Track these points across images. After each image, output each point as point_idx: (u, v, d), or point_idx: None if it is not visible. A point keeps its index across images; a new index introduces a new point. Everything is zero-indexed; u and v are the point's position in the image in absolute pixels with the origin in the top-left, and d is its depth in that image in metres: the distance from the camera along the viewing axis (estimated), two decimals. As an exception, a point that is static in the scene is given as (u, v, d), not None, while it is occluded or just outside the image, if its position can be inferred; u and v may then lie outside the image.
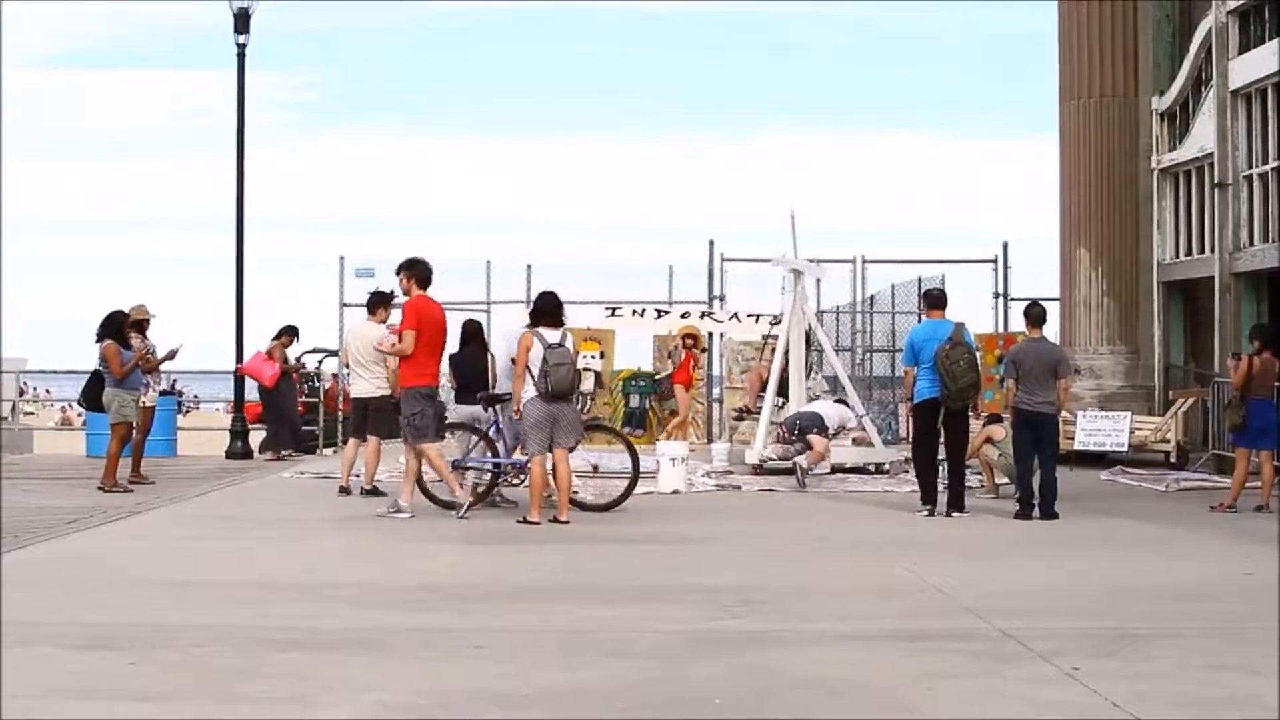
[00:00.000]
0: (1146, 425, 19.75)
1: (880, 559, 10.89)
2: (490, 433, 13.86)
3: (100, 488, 15.43)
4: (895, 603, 8.76)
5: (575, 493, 13.62)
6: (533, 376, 12.69)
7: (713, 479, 16.71)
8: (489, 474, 13.87)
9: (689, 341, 20.94)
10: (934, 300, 14.61)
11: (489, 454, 13.88)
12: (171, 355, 17.23)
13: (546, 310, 13.10)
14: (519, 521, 12.66)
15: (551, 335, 12.80)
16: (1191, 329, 21.40)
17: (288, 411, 21.00)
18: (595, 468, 14.83)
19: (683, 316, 23.54)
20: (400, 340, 13.20)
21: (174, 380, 35.73)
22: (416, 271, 13.36)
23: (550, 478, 13.00)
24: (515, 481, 13.86)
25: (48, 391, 45.69)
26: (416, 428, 13.09)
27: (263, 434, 21.32)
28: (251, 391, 21.91)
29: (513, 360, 13.32)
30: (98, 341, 15.92)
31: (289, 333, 21.26)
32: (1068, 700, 6.24)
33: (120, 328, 15.95)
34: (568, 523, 12.62)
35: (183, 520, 13.21)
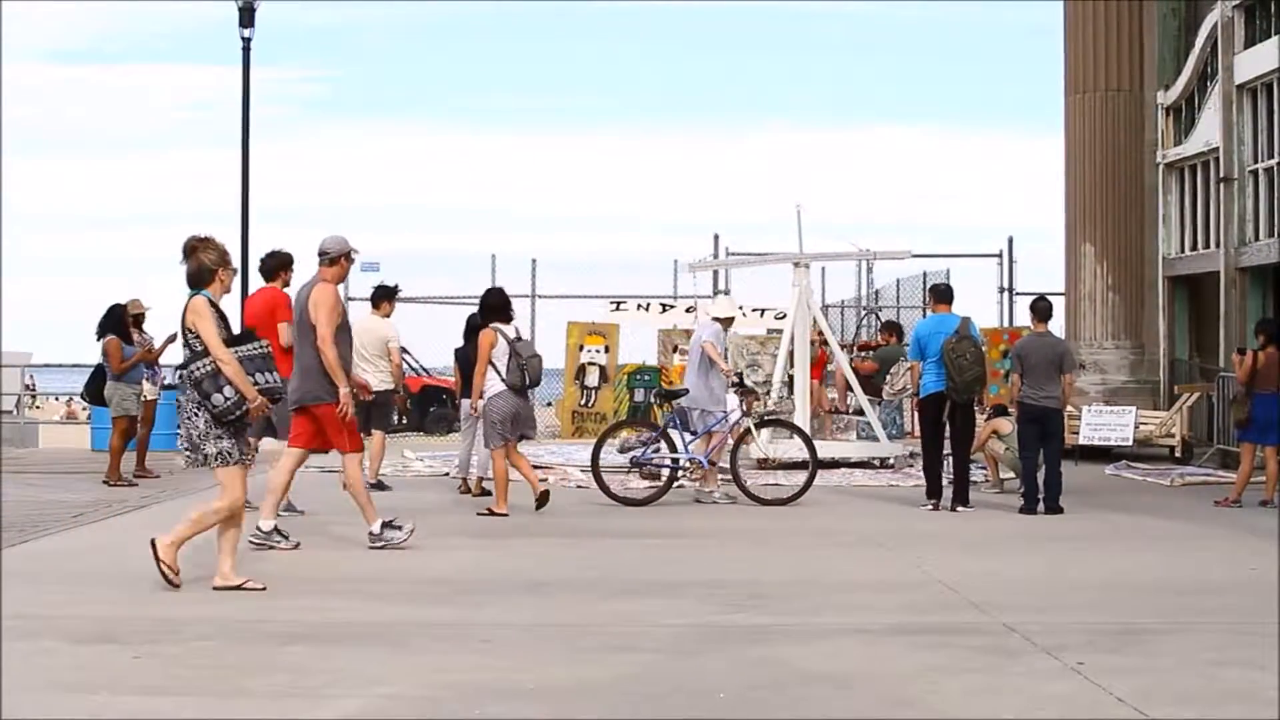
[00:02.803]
0: (1151, 420, 19.74)
1: (885, 553, 10.89)
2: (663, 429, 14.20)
3: (105, 481, 15.45)
4: (900, 597, 8.76)
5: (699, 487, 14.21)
6: (498, 371, 12.91)
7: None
8: (667, 470, 14.12)
9: (823, 337, 20.85)
10: (940, 294, 14.61)
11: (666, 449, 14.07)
12: (172, 339, 17.20)
13: (499, 307, 13.35)
14: (480, 514, 12.83)
15: (509, 330, 13.13)
16: (1196, 324, 21.39)
17: None
18: (764, 459, 15.03)
19: (688, 311, 23.51)
20: None
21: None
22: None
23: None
24: (693, 478, 14.23)
25: (29, 388, 45.10)
26: None
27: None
28: None
29: (704, 354, 14.06)
30: (99, 338, 15.93)
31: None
32: (1071, 695, 6.24)
33: (121, 321, 15.97)
34: (506, 514, 12.75)
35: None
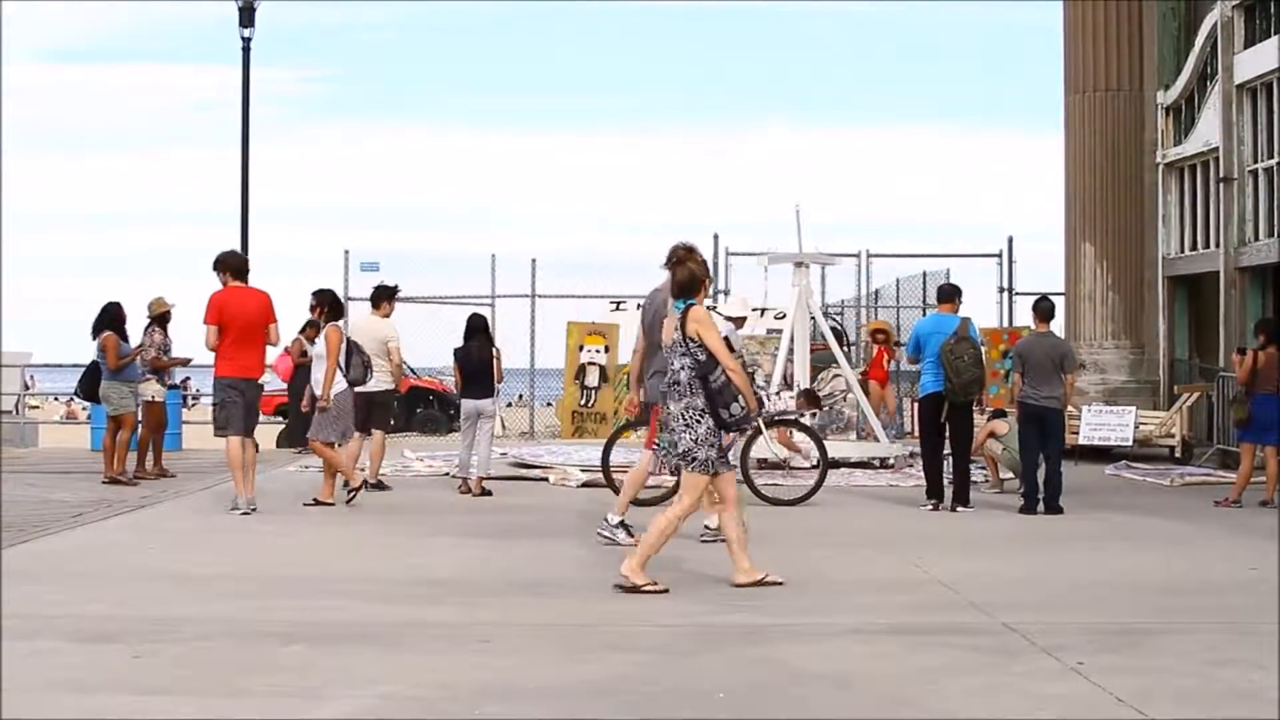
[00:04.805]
0: (1151, 420, 19.75)
1: (884, 553, 10.89)
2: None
3: (104, 480, 15.45)
4: (899, 597, 8.76)
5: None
6: (342, 369, 13.59)
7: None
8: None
9: (880, 337, 20.74)
10: (944, 294, 14.58)
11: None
12: (183, 363, 17.33)
13: (341, 307, 14.55)
14: (306, 504, 13.38)
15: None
16: (1196, 324, 21.39)
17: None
18: (785, 461, 15.09)
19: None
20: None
21: (187, 378, 35.55)
22: (227, 264, 13.19)
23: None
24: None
25: (26, 387, 44.73)
26: (217, 418, 13.14)
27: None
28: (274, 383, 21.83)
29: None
30: (94, 335, 15.91)
31: (312, 326, 20.88)
32: (1071, 695, 6.24)
33: (117, 319, 15.97)
34: (332, 504, 13.36)
35: (187, 513, 13.22)
